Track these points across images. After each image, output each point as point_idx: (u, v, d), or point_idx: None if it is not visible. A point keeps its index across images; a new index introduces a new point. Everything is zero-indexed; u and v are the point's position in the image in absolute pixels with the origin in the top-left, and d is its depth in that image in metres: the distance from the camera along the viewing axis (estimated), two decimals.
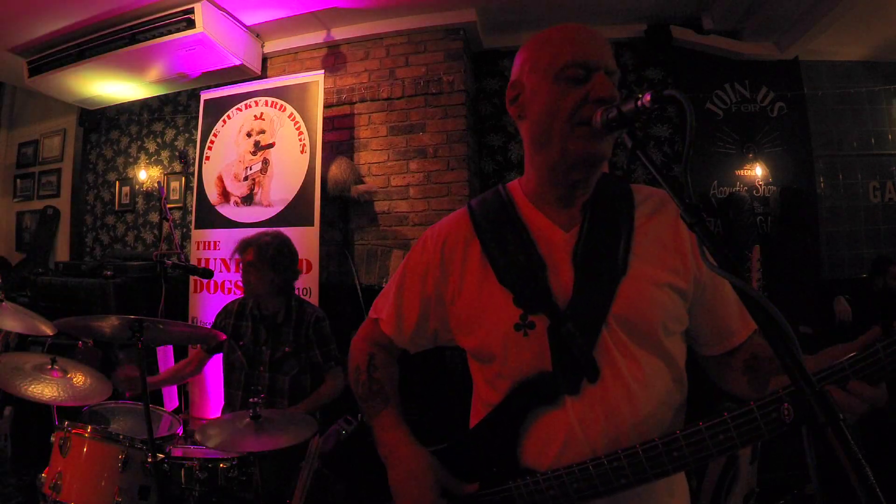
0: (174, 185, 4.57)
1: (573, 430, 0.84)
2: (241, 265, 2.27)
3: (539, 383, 0.86)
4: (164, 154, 4.69)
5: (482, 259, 0.94)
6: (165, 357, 3.28)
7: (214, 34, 3.42)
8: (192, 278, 3.52)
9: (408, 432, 0.98)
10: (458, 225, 1.00)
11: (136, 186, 4.75)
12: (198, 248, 3.59)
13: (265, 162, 3.52)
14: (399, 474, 0.93)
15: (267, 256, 2.22)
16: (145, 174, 4.67)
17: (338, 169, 3.52)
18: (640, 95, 0.75)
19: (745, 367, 0.90)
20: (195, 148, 4.04)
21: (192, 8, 3.31)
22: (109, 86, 4.09)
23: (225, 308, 2.41)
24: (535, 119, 0.91)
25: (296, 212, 3.35)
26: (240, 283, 2.35)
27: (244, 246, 2.28)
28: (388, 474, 0.95)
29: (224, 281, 3.39)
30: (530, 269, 0.89)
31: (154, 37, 3.43)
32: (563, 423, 0.85)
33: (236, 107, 3.66)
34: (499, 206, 0.98)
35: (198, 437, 1.72)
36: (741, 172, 3.80)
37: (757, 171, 3.77)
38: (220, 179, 3.63)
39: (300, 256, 3.18)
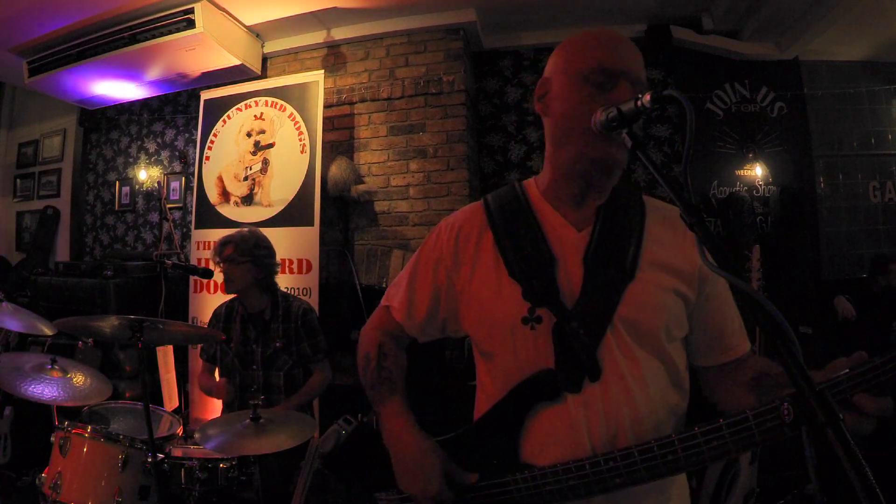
0: (174, 185, 4.57)
1: (573, 428, 0.85)
2: (222, 265, 2.28)
3: (542, 380, 0.87)
4: (164, 154, 4.69)
5: (494, 251, 0.95)
6: (166, 357, 3.28)
7: (214, 34, 3.41)
8: (192, 278, 3.51)
9: (414, 421, 0.99)
10: (472, 216, 1.02)
11: (136, 186, 4.75)
12: (198, 248, 3.59)
13: (265, 162, 3.52)
14: (405, 461, 0.94)
15: (246, 249, 2.25)
16: (145, 174, 4.67)
17: (338, 169, 3.52)
18: (640, 95, 0.76)
19: (752, 384, 0.88)
20: (195, 148, 4.03)
21: (192, 8, 3.31)
22: (109, 86, 4.09)
23: (214, 313, 2.41)
24: (557, 118, 0.93)
25: (296, 212, 3.34)
26: None
27: (222, 243, 2.30)
28: (392, 462, 0.96)
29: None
30: (540, 263, 0.90)
31: (154, 37, 3.43)
32: (563, 420, 0.86)
33: (236, 107, 3.66)
34: (514, 201, 1.00)
35: (197, 437, 1.72)
36: (741, 172, 3.79)
37: (757, 171, 3.77)
38: (220, 179, 3.63)
39: (300, 256, 3.22)
